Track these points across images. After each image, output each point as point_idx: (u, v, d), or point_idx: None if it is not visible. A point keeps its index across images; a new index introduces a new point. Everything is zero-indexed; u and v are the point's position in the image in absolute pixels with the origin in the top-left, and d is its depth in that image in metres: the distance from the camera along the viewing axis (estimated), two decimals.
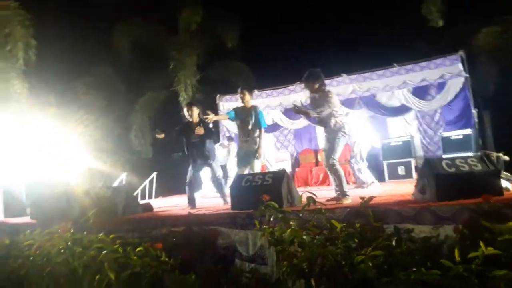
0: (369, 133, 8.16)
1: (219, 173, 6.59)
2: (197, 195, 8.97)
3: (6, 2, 7.74)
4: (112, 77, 14.40)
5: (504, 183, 4.21)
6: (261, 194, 3.74)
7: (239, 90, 6.53)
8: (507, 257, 2.38)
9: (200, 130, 6.26)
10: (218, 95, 13.05)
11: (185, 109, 6.76)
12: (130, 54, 14.15)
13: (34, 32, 7.98)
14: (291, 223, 3.49)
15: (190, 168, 6.71)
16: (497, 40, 9.77)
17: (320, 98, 5.30)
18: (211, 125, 6.68)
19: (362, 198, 3.58)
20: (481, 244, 2.33)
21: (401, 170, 9.10)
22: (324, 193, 6.07)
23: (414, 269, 2.40)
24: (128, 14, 13.94)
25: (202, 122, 6.48)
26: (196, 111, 6.67)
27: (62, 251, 3.48)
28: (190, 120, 6.69)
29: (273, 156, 12.08)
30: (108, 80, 14.32)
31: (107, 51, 14.20)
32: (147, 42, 14.00)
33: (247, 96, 6.43)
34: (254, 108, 6.43)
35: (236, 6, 14.09)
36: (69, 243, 3.54)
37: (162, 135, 6.48)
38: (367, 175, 7.80)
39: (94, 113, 13.56)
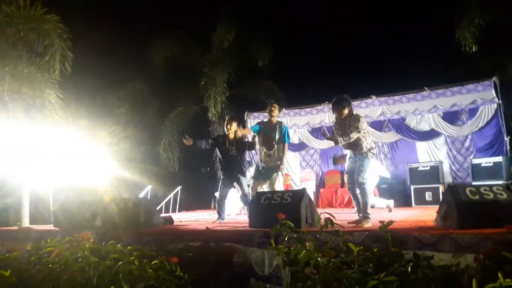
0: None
1: (247, 189, 6.60)
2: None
3: (48, 16, 8.11)
4: (144, 91, 14.80)
5: None
6: (279, 212, 3.72)
7: (269, 102, 6.57)
8: None
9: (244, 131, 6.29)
10: (246, 112, 13.18)
11: (225, 123, 6.80)
12: (164, 69, 14.51)
13: (71, 45, 8.30)
14: (307, 244, 3.45)
15: (221, 184, 6.72)
16: None
17: (349, 123, 5.29)
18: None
19: (381, 222, 3.51)
20: (500, 275, 2.23)
21: (428, 196, 8.88)
22: (347, 216, 5.97)
23: None
24: (164, 30, 14.36)
25: (239, 138, 6.57)
26: (234, 126, 6.70)
27: (79, 260, 3.53)
28: (227, 133, 6.71)
29: (298, 175, 12.02)
30: (141, 94, 14.72)
31: (141, 66, 14.62)
32: (180, 58, 14.33)
33: (276, 111, 6.50)
34: (279, 123, 6.48)
35: (268, 26, 14.29)
36: (86, 252, 3.59)
37: (190, 142, 6.57)
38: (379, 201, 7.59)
39: (125, 125, 13.93)
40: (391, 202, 7.33)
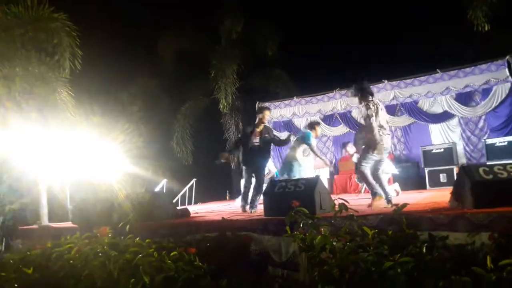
0: None
1: (263, 181, 6.64)
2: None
3: (56, 15, 8.16)
4: (155, 86, 14.89)
5: None
6: (294, 200, 3.75)
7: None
8: None
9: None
10: (257, 102, 13.17)
11: (261, 113, 6.78)
12: (173, 63, 14.58)
13: (80, 43, 8.36)
14: (322, 229, 3.48)
15: (244, 177, 6.81)
16: None
17: (363, 110, 5.32)
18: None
19: (395, 205, 3.52)
20: None
21: (443, 178, 8.83)
22: (362, 201, 6.01)
23: (446, 276, 2.35)
24: (172, 24, 14.39)
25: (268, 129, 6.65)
26: (267, 114, 6.80)
27: (99, 255, 3.61)
28: (256, 123, 6.77)
29: (311, 163, 12.00)
30: (151, 89, 14.82)
31: (150, 61, 14.70)
32: (189, 51, 14.39)
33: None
34: None
35: (277, 14, 14.22)
36: (105, 247, 3.67)
37: (227, 158, 6.74)
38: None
39: (137, 121, 14.05)
40: (396, 186, 7.33)
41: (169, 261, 3.51)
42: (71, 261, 3.67)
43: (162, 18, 14.80)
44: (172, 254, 3.60)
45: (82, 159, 7.73)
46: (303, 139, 6.94)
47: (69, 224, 6.31)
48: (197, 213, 7.10)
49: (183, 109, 14.42)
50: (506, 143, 8.46)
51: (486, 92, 9.63)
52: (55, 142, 7.30)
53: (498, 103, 9.39)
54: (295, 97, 12.62)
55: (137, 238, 3.98)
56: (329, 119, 12.05)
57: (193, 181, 11.53)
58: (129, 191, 6.71)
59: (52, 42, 8.12)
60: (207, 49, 14.02)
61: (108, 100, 13.19)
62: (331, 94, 11.96)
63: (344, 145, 9.24)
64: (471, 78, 9.78)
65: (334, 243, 3.10)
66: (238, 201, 10.40)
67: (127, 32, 14.13)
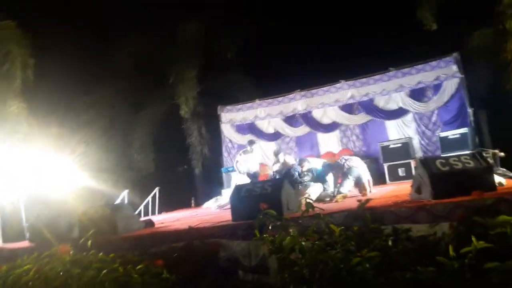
0: None
1: None
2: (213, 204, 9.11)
3: (4, 22, 7.77)
4: (112, 94, 14.49)
5: (497, 179, 4.22)
6: (261, 203, 3.76)
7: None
8: (499, 249, 2.39)
9: None
10: (219, 106, 13.15)
11: None
12: (130, 69, 14.23)
13: (32, 51, 7.99)
14: (291, 230, 3.50)
15: None
16: (489, 41, 9.84)
17: None
18: None
19: (359, 201, 3.59)
20: (473, 239, 2.33)
21: (401, 172, 9.10)
22: None
23: (411, 267, 2.41)
24: (127, 29, 14.06)
25: None
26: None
27: (61, 273, 3.46)
28: None
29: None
30: (109, 97, 14.41)
31: (106, 68, 14.30)
32: (146, 56, 14.09)
33: None
34: None
35: (235, 18, 14.19)
36: (67, 265, 3.53)
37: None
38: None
39: (96, 131, 13.66)
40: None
41: (135, 275, 3.40)
42: (30, 283, 3.49)
43: (118, 23, 14.42)
44: (138, 267, 3.49)
45: (37, 173, 7.44)
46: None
47: (25, 243, 6.03)
48: (162, 223, 6.98)
49: (142, 115, 14.10)
50: (458, 135, 8.82)
51: (437, 88, 10.03)
52: (6, 156, 6.97)
53: (448, 97, 9.79)
54: (257, 100, 12.68)
55: (100, 253, 3.85)
56: (291, 120, 12.18)
57: (156, 189, 11.31)
58: (89, 205, 6.52)
59: (1, 51, 7.73)
60: (165, 55, 13.81)
61: (65, 110, 12.77)
62: (291, 96, 12.10)
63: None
64: (422, 74, 10.15)
65: (303, 243, 3.12)
66: (207, 205, 10.39)
67: (82, 39, 13.70)
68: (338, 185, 6.69)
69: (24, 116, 7.91)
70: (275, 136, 12.40)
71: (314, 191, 6.46)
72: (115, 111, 14.54)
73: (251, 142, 9.07)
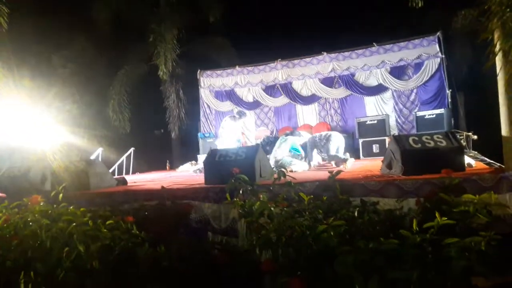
0: None
1: None
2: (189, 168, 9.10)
3: None
4: (90, 49, 14.10)
5: (467, 160, 4.34)
6: (233, 168, 3.78)
7: None
8: (461, 227, 2.49)
9: None
10: (199, 70, 12.97)
11: None
12: (109, 26, 13.82)
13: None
14: (261, 196, 3.55)
15: None
16: (473, 23, 9.92)
17: None
18: None
19: (330, 172, 3.65)
20: (437, 214, 2.42)
21: (375, 148, 9.25)
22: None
23: (376, 239, 2.49)
24: None
25: None
26: None
27: (30, 224, 3.45)
28: None
29: (253, 133, 12.12)
30: (87, 53, 14.02)
31: (86, 23, 13.85)
32: (127, 14, 13.70)
33: None
34: None
35: None
36: (36, 216, 3.51)
37: None
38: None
39: (72, 87, 13.33)
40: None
41: (104, 230, 3.41)
42: None
43: None
44: (108, 222, 3.49)
45: (10, 125, 7.26)
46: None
47: None
48: (135, 182, 6.96)
49: (119, 74, 13.82)
50: (434, 115, 8.99)
51: (418, 67, 10.14)
52: None
53: (428, 77, 9.93)
54: (237, 66, 12.56)
55: (71, 207, 3.83)
56: (271, 90, 12.15)
57: (131, 150, 11.21)
58: (63, 159, 6.43)
59: None
60: (146, 13, 13.43)
61: (40, 62, 12.36)
62: (272, 65, 12.02)
63: None
64: (405, 52, 10.23)
65: (272, 209, 3.18)
66: (181, 169, 10.40)
67: None
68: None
69: None
70: (254, 105, 12.37)
71: (298, 168, 6.57)
72: (93, 67, 14.19)
73: (241, 113, 8.95)
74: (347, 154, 6.81)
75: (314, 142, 7.01)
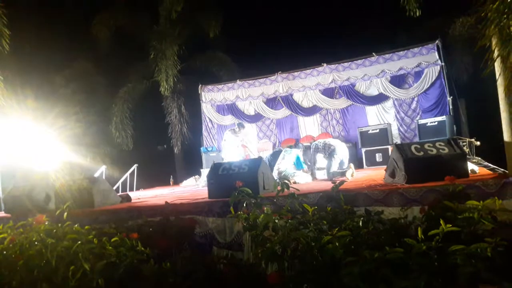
0: None
1: None
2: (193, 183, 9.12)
3: None
4: (92, 69, 14.26)
5: (471, 166, 4.33)
6: (237, 181, 3.78)
7: None
8: (466, 233, 2.48)
9: None
10: (200, 85, 13.04)
11: None
12: (110, 44, 13.99)
13: (8, 22, 7.70)
14: (265, 208, 3.55)
15: None
16: (470, 30, 9.99)
17: None
18: None
19: (333, 182, 3.65)
20: (442, 222, 2.41)
21: (378, 157, 9.24)
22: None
23: (381, 248, 2.48)
24: (108, 4, 13.77)
25: None
26: None
27: (36, 243, 3.45)
28: None
29: (256, 146, 12.14)
30: (88, 72, 14.19)
31: (86, 43, 14.03)
32: (127, 32, 13.89)
33: None
34: None
35: None
36: (42, 235, 3.51)
37: None
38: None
39: (75, 106, 13.44)
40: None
41: (110, 247, 3.42)
42: (5, 252, 3.47)
43: None
44: (113, 240, 3.50)
45: (15, 145, 7.30)
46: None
47: (1, 214, 5.96)
48: (139, 198, 6.96)
49: (121, 92, 13.92)
50: (436, 123, 8.98)
51: (418, 75, 10.16)
52: None
53: (429, 85, 9.94)
54: (238, 80, 12.62)
55: (76, 225, 3.84)
56: (272, 102, 12.19)
57: (134, 167, 11.24)
58: (67, 178, 6.45)
59: None
60: (146, 30, 13.59)
61: (43, 83, 12.50)
62: (273, 78, 12.08)
63: None
64: (404, 61, 10.26)
65: (277, 221, 3.17)
66: (185, 183, 10.42)
67: (62, 12, 13.37)
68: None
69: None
70: (256, 117, 12.40)
71: (301, 179, 6.59)
72: (95, 85, 14.34)
73: (240, 125, 9.01)
74: (347, 165, 6.81)
75: (317, 148, 7.02)
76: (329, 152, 6.81)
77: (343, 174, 6.45)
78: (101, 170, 10.67)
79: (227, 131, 9.26)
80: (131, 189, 10.92)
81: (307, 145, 7.32)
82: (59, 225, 3.87)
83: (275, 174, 6.69)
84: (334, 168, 6.69)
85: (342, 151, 6.90)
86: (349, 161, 7.10)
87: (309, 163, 7.23)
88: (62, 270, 3.26)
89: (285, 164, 7.03)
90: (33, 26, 12.30)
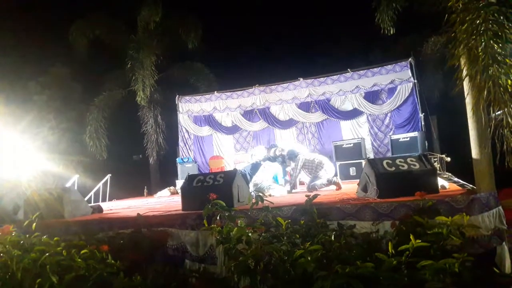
0: None
1: None
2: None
3: None
4: (68, 75, 14.04)
5: (441, 182, 4.44)
6: (210, 193, 3.76)
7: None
8: (435, 248, 2.53)
9: None
10: (177, 96, 12.97)
11: None
12: (87, 53, 13.78)
13: None
14: (239, 221, 3.54)
15: None
16: (442, 50, 10.32)
17: None
18: None
19: (307, 196, 3.68)
20: (411, 237, 2.46)
21: (352, 171, 9.35)
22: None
23: (352, 262, 2.51)
24: (86, 12, 13.62)
25: None
26: None
27: (1, 255, 3.34)
28: None
29: (232, 157, 12.13)
30: (64, 78, 13.96)
31: (63, 49, 13.82)
32: (104, 40, 13.73)
33: None
34: None
35: (197, 8, 14.08)
36: (7, 246, 3.40)
37: None
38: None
39: (48, 113, 13.17)
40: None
41: (79, 260, 3.33)
42: None
43: (77, 5, 13.97)
44: (82, 252, 3.42)
45: None
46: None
47: None
48: (111, 209, 6.83)
49: (97, 100, 13.66)
50: (408, 138, 9.17)
51: (391, 91, 10.39)
52: None
53: (401, 101, 10.18)
54: (215, 92, 12.62)
55: (44, 236, 3.74)
56: (249, 115, 12.22)
57: (108, 177, 11.03)
58: (37, 187, 6.29)
59: None
60: (123, 39, 13.47)
61: (15, 89, 12.22)
62: (250, 90, 12.13)
63: None
64: (378, 77, 10.49)
65: (250, 235, 3.17)
66: (159, 194, 10.29)
67: (39, 17, 13.16)
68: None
69: None
70: (233, 129, 12.40)
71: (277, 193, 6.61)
72: (70, 93, 14.10)
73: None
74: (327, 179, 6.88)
75: (306, 165, 7.06)
76: (317, 172, 6.90)
77: (317, 187, 6.53)
78: (74, 180, 10.43)
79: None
80: (104, 200, 10.68)
81: (291, 154, 7.32)
82: (27, 236, 3.76)
83: (251, 186, 6.69)
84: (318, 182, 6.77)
85: (330, 170, 6.99)
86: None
87: (291, 174, 7.27)
88: (28, 283, 3.17)
89: (262, 176, 7.05)
90: (7, 30, 12.07)
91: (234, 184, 4.70)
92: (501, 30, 3.45)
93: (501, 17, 3.49)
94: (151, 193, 11.88)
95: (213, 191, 3.91)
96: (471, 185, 4.66)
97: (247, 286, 2.91)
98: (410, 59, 10.04)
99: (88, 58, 13.87)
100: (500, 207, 3.67)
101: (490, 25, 3.47)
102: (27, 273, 3.19)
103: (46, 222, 4.91)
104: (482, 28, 3.49)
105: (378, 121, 10.56)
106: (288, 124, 11.68)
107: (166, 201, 8.33)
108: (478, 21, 3.51)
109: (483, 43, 3.49)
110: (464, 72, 3.73)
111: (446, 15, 3.84)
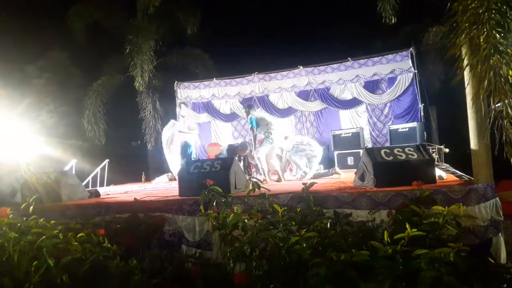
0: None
1: None
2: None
3: None
4: (66, 59, 13.93)
5: (438, 172, 4.44)
6: (207, 179, 3.77)
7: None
8: (431, 238, 2.54)
9: None
10: (176, 82, 12.90)
11: None
12: (85, 37, 13.66)
13: None
14: (235, 208, 3.54)
15: None
16: (443, 40, 10.24)
17: None
18: None
19: (304, 184, 3.68)
20: (407, 226, 2.46)
21: (350, 160, 9.37)
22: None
23: (348, 250, 2.51)
24: None
25: None
26: None
27: None
28: None
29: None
30: (62, 62, 13.86)
31: (61, 33, 13.70)
32: (103, 24, 13.59)
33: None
34: None
35: None
36: (4, 228, 3.40)
37: None
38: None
39: (47, 97, 13.11)
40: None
41: (75, 243, 3.34)
42: None
43: None
44: (79, 235, 3.42)
45: None
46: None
47: None
48: (108, 194, 6.84)
49: (95, 85, 13.59)
50: (407, 129, 9.18)
51: (391, 81, 10.35)
52: None
53: (401, 91, 10.13)
54: (214, 79, 12.55)
55: (41, 219, 3.74)
56: (248, 102, 12.15)
57: (106, 162, 11.01)
58: (36, 170, 6.28)
59: None
60: (122, 24, 13.34)
61: (13, 72, 12.14)
62: (249, 77, 12.06)
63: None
64: (378, 67, 10.42)
65: (246, 221, 3.17)
66: (157, 180, 10.30)
67: (37, 2, 13.02)
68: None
69: None
70: (232, 116, 12.37)
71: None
72: (68, 77, 14.02)
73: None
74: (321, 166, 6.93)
75: (298, 148, 7.10)
76: (308, 157, 6.94)
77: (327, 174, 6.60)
78: (72, 164, 10.42)
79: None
80: (102, 185, 10.69)
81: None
82: (24, 219, 3.76)
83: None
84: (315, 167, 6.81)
85: (319, 154, 7.05)
86: (320, 163, 7.20)
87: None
88: (24, 265, 3.17)
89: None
90: (6, 13, 11.96)
91: (231, 171, 4.70)
92: (504, 19, 3.42)
93: (504, 7, 3.45)
94: (149, 179, 11.88)
95: (210, 178, 3.91)
96: (468, 176, 4.68)
97: (243, 271, 2.92)
98: (411, 48, 9.97)
99: (87, 42, 13.76)
100: (497, 198, 3.69)
101: (493, 15, 3.43)
102: (23, 255, 3.19)
103: (43, 205, 4.92)
104: (485, 17, 3.45)
105: (377, 111, 10.53)
106: (286, 112, 11.64)
107: (163, 186, 8.34)
108: (480, 10, 3.47)
109: (485, 33, 3.46)
110: (465, 62, 3.70)
111: (448, 4, 3.80)
